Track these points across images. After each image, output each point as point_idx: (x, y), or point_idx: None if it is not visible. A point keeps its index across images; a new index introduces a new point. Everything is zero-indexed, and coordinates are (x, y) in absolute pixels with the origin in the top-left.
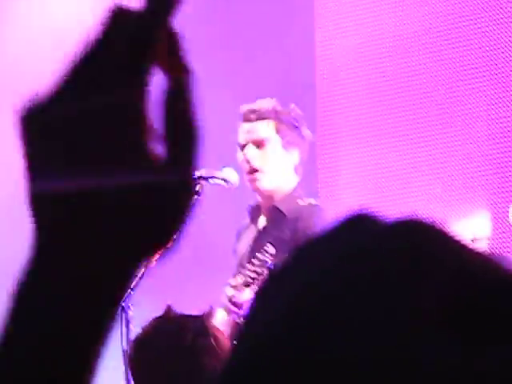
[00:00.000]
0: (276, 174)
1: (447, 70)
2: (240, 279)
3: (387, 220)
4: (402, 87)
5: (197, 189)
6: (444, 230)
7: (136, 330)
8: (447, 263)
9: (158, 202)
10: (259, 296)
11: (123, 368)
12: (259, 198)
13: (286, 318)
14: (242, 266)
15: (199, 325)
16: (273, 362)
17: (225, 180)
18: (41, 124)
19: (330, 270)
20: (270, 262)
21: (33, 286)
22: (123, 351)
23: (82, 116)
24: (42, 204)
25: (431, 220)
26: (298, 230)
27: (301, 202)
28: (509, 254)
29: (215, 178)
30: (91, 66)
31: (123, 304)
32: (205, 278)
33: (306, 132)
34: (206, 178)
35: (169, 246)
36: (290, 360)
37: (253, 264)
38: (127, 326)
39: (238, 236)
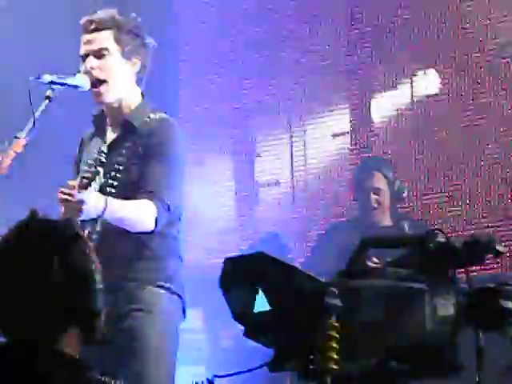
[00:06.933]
0: (119, 84)
1: None
2: (78, 180)
3: None
4: None
5: (48, 94)
6: None
7: None
8: None
9: None
10: None
11: None
12: (105, 110)
13: None
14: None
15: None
16: None
17: (76, 86)
18: None
19: None
20: (103, 160)
21: None
22: None
23: None
24: None
25: None
26: (149, 143)
27: (152, 116)
28: None
29: (66, 84)
30: None
31: None
32: None
33: (148, 40)
34: (57, 83)
35: None
36: None
37: (89, 165)
38: None
39: (81, 145)
